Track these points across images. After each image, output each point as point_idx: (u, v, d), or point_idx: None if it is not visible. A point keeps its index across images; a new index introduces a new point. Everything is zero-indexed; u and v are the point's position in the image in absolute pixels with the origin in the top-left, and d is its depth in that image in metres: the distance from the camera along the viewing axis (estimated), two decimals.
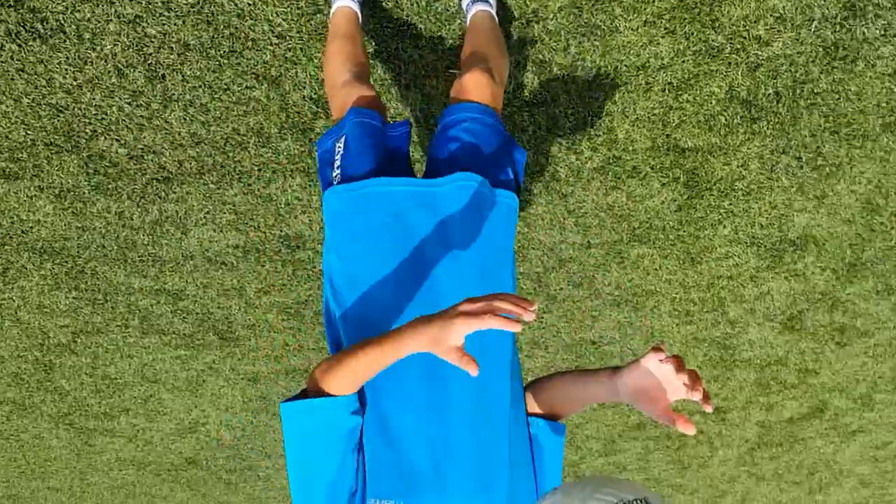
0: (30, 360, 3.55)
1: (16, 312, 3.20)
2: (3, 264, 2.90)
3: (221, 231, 2.82)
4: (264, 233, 2.84)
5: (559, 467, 1.51)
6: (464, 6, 2.11)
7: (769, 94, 2.42)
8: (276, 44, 2.13)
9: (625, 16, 2.17)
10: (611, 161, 2.63)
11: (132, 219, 2.72)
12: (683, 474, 5.61)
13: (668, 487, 5.85)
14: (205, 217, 2.74)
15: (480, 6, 2.01)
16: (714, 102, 2.42)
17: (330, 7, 2.04)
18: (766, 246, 3.13)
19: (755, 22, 2.19)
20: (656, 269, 3.25)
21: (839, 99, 2.45)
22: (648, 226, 2.97)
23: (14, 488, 4.97)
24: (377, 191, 1.54)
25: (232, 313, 3.32)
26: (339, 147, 1.64)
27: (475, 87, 1.67)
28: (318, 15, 2.12)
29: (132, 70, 2.15)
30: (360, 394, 1.40)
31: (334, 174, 1.62)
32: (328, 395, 1.30)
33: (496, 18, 2.02)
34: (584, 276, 3.26)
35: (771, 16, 2.18)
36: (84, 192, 2.58)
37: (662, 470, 5.50)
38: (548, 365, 3.94)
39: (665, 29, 2.20)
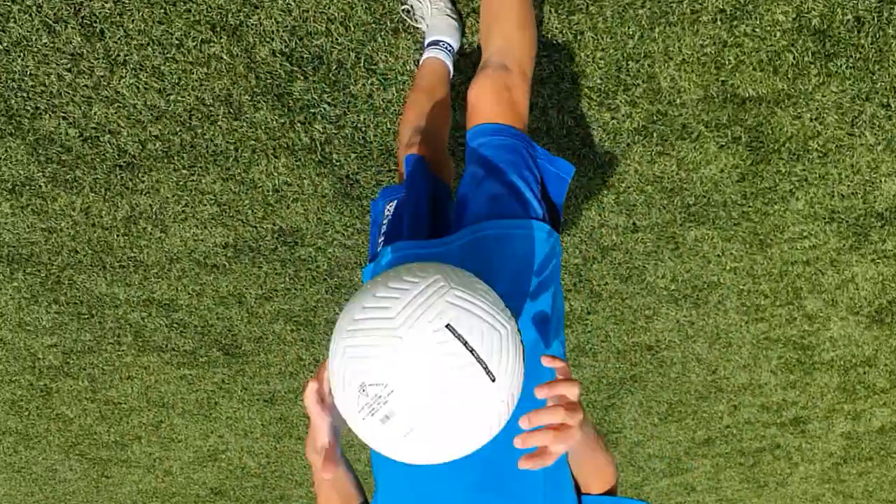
0: (24, 384, 3.24)
1: None
2: None
3: (205, 227, 2.45)
4: (255, 227, 2.47)
5: None
6: None
7: (848, 21, 1.94)
8: None
9: None
10: (654, 118, 2.18)
11: (101, 216, 2.37)
12: (760, 493, 5.03)
13: None
14: (183, 211, 2.38)
15: None
16: (779, 35, 1.96)
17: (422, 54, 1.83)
18: (848, 221, 2.62)
19: None
20: (718, 256, 2.77)
21: None
22: (706, 201, 2.50)
23: None
24: (394, 257, 1.35)
25: (234, 325, 2.95)
26: (389, 211, 1.48)
27: (483, 102, 1.39)
28: None
29: (64, 26, 1.80)
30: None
31: (379, 240, 1.46)
32: None
33: None
34: (632, 266, 2.80)
35: None
36: (40, 186, 2.24)
37: (736, 490, 4.94)
38: (598, 375, 3.47)
39: None
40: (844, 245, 2.75)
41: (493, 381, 0.91)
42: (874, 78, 2.10)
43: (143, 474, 4.16)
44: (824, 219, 2.62)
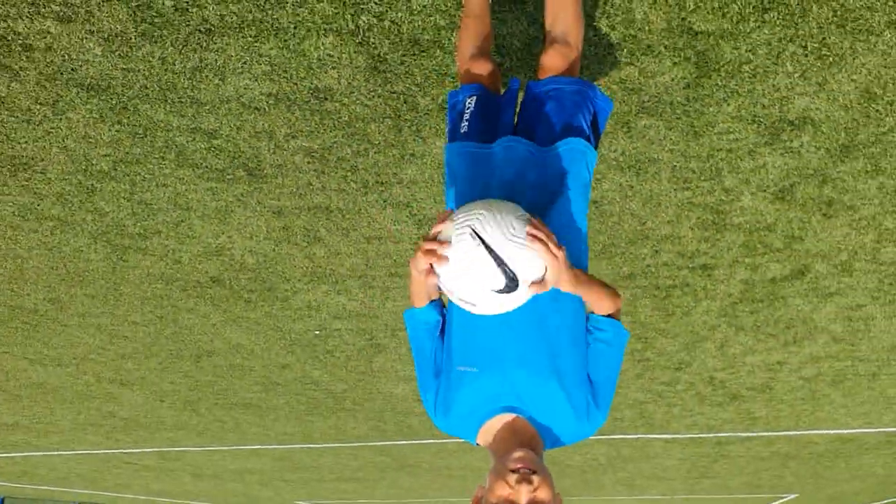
0: (73, 182, 3.84)
1: (63, 140, 3.45)
2: (53, 97, 3.12)
3: (256, 80, 3.01)
4: (296, 84, 3.04)
5: (608, 354, 1.97)
6: None
7: None
8: None
9: None
10: (627, 39, 2.78)
11: (174, 64, 2.91)
12: (667, 320, 6.05)
13: (652, 331, 6.32)
14: (241, 67, 2.93)
15: None
16: None
17: None
18: (766, 124, 3.32)
19: None
20: (661, 140, 3.46)
21: None
22: (657, 100, 3.15)
23: (55, 292, 5.43)
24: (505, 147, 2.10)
25: (261, 153, 3.57)
26: (470, 104, 2.19)
27: (554, 65, 2.16)
28: None
29: None
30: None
31: (462, 125, 2.17)
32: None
33: None
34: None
35: None
36: (131, 38, 2.76)
37: (648, 315, 5.93)
38: None
39: None
40: (761, 140, 3.46)
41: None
42: (797, 27, 2.72)
43: (155, 261, 4.88)
44: (747, 120, 3.31)
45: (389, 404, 9.00)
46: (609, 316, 1.95)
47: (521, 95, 2.52)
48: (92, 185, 3.86)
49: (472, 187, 2.04)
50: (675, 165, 3.68)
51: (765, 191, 3.94)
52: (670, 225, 4.36)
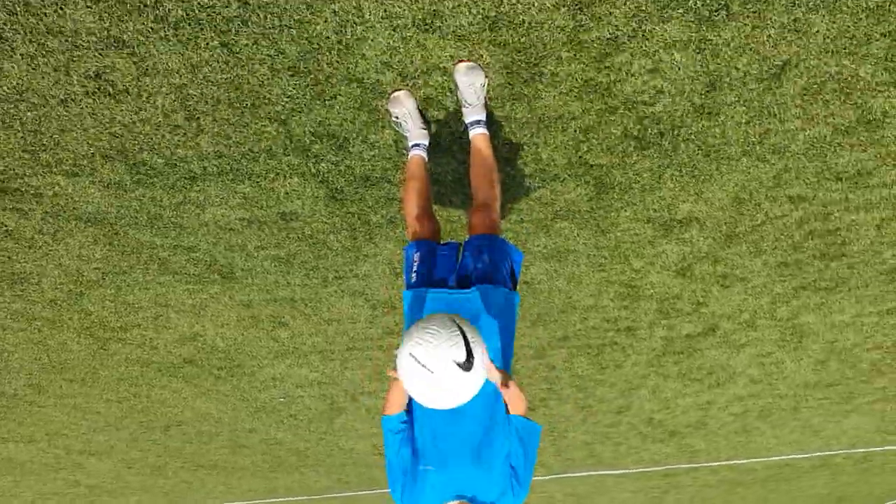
0: (65, 290, 4.33)
1: (59, 259, 3.96)
2: (54, 228, 3.64)
3: (232, 209, 3.58)
4: (266, 211, 3.61)
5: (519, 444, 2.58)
6: (467, 123, 2.97)
7: (654, 133, 3.22)
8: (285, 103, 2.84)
9: (548, 85, 2.92)
10: (537, 172, 3.43)
11: (161, 201, 3.46)
12: (602, 373, 6.68)
13: (590, 381, 6.94)
14: (219, 200, 3.50)
15: (476, 129, 2.89)
16: (613, 139, 3.22)
17: (407, 153, 3.08)
18: (658, 223, 3.99)
19: (643, 92, 2.97)
20: (575, 236, 4.11)
21: (707, 136, 3.26)
22: (567, 209, 3.80)
23: (35, 379, 5.84)
24: (433, 296, 2.68)
25: (234, 261, 4.12)
26: (416, 259, 2.81)
27: (481, 225, 2.81)
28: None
29: (175, 113, 2.86)
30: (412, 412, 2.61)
31: (412, 275, 2.78)
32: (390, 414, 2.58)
33: (487, 134, 2.91)
34: (518, 241, 4.11)
35: (653, 89, 2.96)
36: (126, 185, 3.31)
37: (585, 369, 6.56)
38: None
39: (573, 94, 2.97)
40: (657, 234, 4.13)
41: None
42: (671, 158, 3.40)
43: (133, 348, 5.35)
44: (643, 221, 3.98)
45: (351, 459, 9.46)
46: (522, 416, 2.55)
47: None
48: (81, 291, 4.35)
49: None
50: (590, 254, 4.33)
51: (668, 269, 4.61)
52: (593, 297, 5.01)
